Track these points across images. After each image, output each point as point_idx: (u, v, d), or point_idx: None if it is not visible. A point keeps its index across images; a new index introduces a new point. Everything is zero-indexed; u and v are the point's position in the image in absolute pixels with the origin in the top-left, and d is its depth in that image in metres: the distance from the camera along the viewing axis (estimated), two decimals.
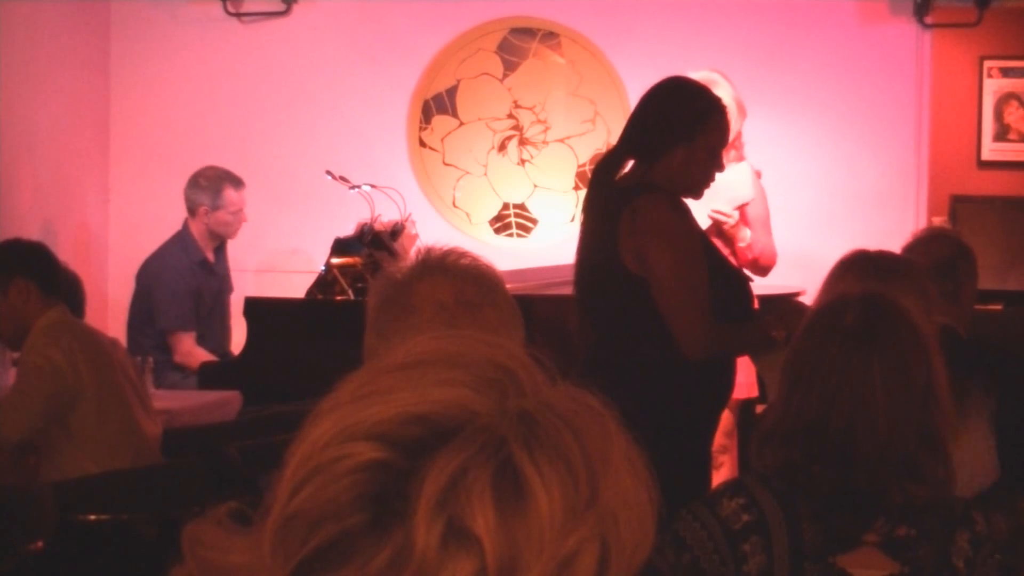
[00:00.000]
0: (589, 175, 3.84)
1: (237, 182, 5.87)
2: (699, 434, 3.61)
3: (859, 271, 2.99)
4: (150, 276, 5.81)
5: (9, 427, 4.08)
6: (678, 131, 3.56)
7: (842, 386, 2.15)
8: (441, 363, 0.86)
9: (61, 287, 4.30)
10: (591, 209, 3.65)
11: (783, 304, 3.90)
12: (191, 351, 5.68)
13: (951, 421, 2.21)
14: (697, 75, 4.77)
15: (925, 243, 3.76)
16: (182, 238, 5.85)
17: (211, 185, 5.83)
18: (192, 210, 5.86)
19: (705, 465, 3.64)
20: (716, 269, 3.59)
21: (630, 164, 3.63)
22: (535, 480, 0.81)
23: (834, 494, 2.14)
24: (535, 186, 6.59)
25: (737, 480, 2.25)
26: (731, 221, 4.52)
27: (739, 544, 2.16)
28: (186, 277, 5.75)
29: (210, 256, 5.89)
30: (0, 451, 4.03)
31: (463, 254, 1.92)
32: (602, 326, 3.63)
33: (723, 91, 4.66)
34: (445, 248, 1.94)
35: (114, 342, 4.46)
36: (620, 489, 0.85)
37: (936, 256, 3.65)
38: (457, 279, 1.87)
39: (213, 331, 5.83)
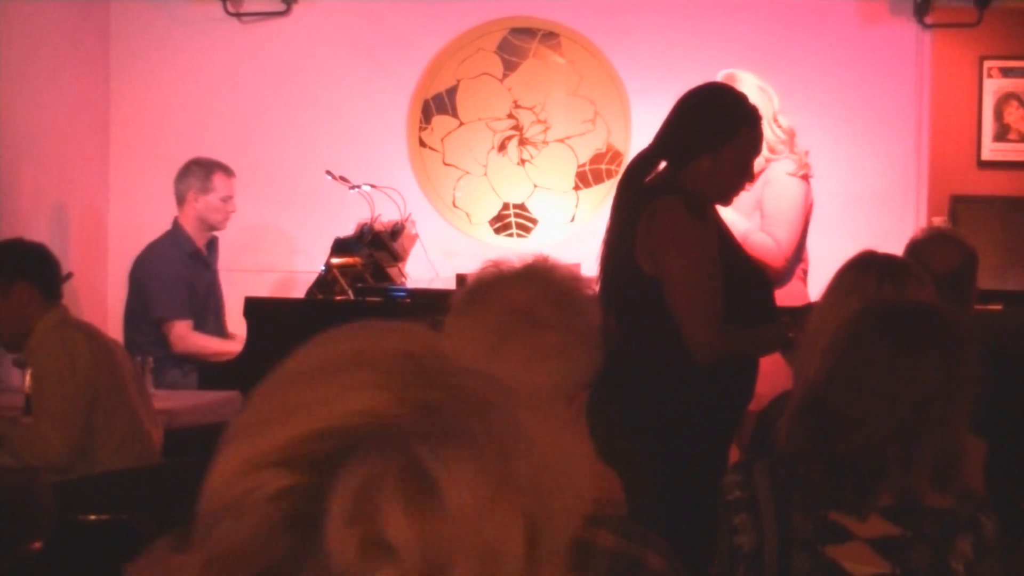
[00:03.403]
0: (620, 175, 3.87)
1: (227, 170, 5.88)
2: (716, 434, 3.60)
3: (874, 273, 3.00)
4: (142, 269, 5.82)
5: (51, 449, 4.05)
6: (704, 140, 3.58)
7: (881, 380, 2.17)
8: (345, 364, 0.84)
9: (61, 290, 4.30)
10: (617, 207, 3.68)
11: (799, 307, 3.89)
12: (186, 335, 5.67)
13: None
14: (721, 73, 4.77)
15: (938, 245, 3.75)
16: (173, 233, 5.86)
17: (200, 171, 5.84)
18: (181, 198, 5.84)
19: (721, 464, 3.63)
20: (734, 272, 3.59)
21: (663, 164, 3.67)
22: (442, 476, 0.79)
23: (832, 485, 2.16)
24: (535, 186, 6.59)
25: (748, 458, 2.30)
26: None
27: (730, 515, 2.24)
28: (178, 267, 5.75)
29: (203, 249, 5.89)
30: (54, 472, 4.01)
31: (572, 278, 1.90)
32: (622, 323, 3.65)
33: (746, 89, 4.69)
34: (558, 265, 1.91)
35: (117, 343, 4.46)
36: (537, 456, 0.83)
37: (950, 261, 3.65)
38: (539, 292, 1.85)
39: (207, 326, 5.82)
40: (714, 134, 3.58)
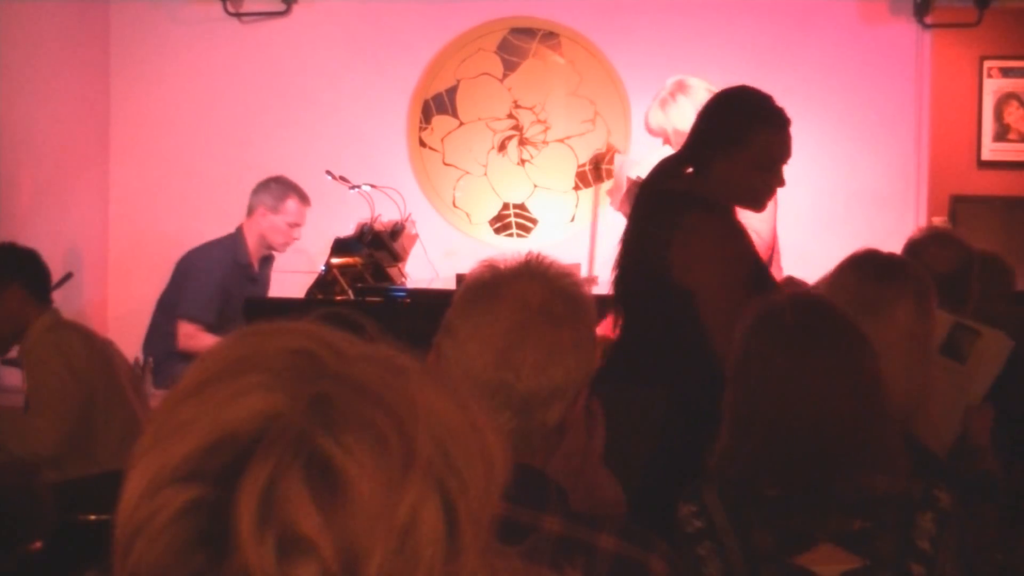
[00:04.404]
0: (646, 177, 3.81)
1: (304, 197, 5.90)
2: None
3: (861, 272, 3.00)
4: (188, 264, 5.84)
5: (41, 441, 4.06)
6: (715, 142, 3.54)
7: (790, 386, 2.19)
8: (234, 372, 0.84)
9: (50, 293, 4.32)
10: (642, 209, 3.63)
11: None
12: (193, 335, 5.68)
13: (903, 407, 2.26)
14: (671, 80, 4.75)
15: (936, 245, 3.75)
16: (233, 239, 5.87)
17: (278, 189, 5.86)
18: (251, 209, 5.87)
19: None
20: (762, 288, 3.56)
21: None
22: (346, 463, 0.79)
23: (784, 495, 2.17)
24: (535, 186, 6.59)
25: (695, 485, 2.28)
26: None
27: (693, 546, 2.22)
28: (222, 274, 5.76)
29: (255, 264, 5.89)
30: (38, 467, 4.01)
31: (568, 274, 1.93)
32: (639, 324, 3.61)
33: (695, 95, 4.65)
34: (551, 261, 1.95)
35: (110, 343, 4.47)
36: (440, 426, 0.83)
37: (949, 262, 3.65)
38: (550, 290, 1.88)
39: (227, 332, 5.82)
40: (726, 136, 3.54)
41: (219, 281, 5.74)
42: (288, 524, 0.77)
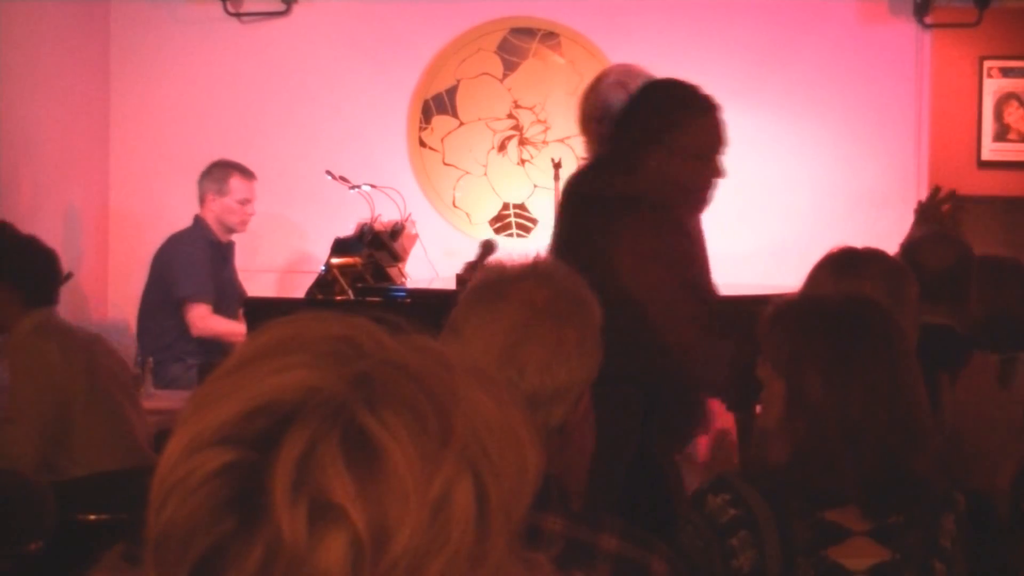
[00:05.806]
0: (563, 189, 3.66)
1: (246, 172, 5.91)
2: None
3: (828, 268, 3.01)
4: (166, 254, 5.81)
5: (20, 448, 4.01)
6: (644, 138, 3.36)
7: (850, 381, 2.17)
8: (276, 352, 0.86)
9: (51, 295, 4.19)
10: (575, 217, 3.47)
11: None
12: (206, 316, 5.67)
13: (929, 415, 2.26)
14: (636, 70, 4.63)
15: (931, 243, 3.75)
16: (196, 226, 5.87)
17: (219, 172, 5.87)
18: (201, 198, 5.87)
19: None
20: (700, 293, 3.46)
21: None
22: (383, 435, 0.80)
23: (826, 486, 2.16)
24: (535, 186, 6.59)
25: (719, 478, 2.23)
26: None
27: (726, 538, 2.17)
28: (205, 252, 5.77)
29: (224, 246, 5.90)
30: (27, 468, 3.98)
31: (574, 277, 1.94)
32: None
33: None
34: (560, 264, 1.97)
35: (97, 339, 4.36)
36: (478, 417, 0.84)
37: (944, 259, 3.65)
38: (555, 290, 1.90)
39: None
40: (654, 130, 3.35)
41: (204, 260, 5.74)
42: (321, 492, 0.78)
